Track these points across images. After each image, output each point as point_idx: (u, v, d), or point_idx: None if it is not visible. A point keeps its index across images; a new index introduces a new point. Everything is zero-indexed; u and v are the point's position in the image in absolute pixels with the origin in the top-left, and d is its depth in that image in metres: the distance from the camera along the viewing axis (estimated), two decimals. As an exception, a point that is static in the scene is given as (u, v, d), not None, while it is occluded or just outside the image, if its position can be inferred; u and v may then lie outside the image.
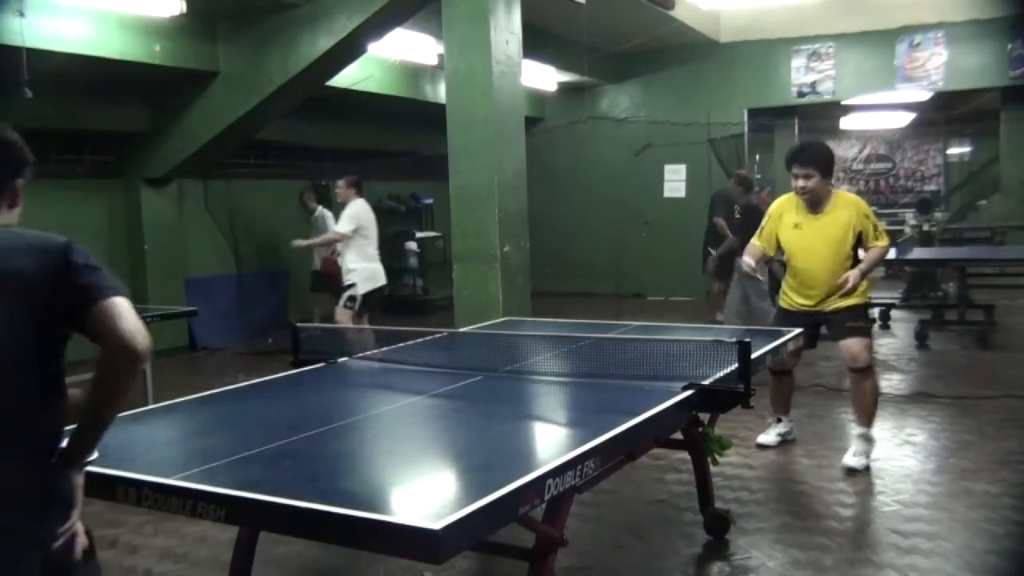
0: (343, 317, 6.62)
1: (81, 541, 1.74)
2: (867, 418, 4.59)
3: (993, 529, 3.68)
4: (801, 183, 4.50)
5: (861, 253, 4.59)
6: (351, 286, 6.74)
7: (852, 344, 4.54)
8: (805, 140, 5.09)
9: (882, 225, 4.68)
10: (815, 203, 4.55)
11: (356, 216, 6.78)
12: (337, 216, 7.38)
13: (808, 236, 4.56)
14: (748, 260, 4.76)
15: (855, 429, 4.64)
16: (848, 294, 4.46)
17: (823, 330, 4.67)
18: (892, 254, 6.50)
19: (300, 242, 7.13)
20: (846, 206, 4.55)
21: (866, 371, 4.59)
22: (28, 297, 1.63)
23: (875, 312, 8.16)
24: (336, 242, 6.84)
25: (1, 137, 1.78)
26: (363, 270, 6.82)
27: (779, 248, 4.75)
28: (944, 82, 11.28)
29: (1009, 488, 4.15)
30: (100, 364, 1.63)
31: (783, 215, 4.67)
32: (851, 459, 4.51)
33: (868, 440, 4.58)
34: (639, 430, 2.53)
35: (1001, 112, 14.13)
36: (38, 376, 1.66)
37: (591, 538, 3.69)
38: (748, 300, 7.25)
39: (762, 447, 4.96)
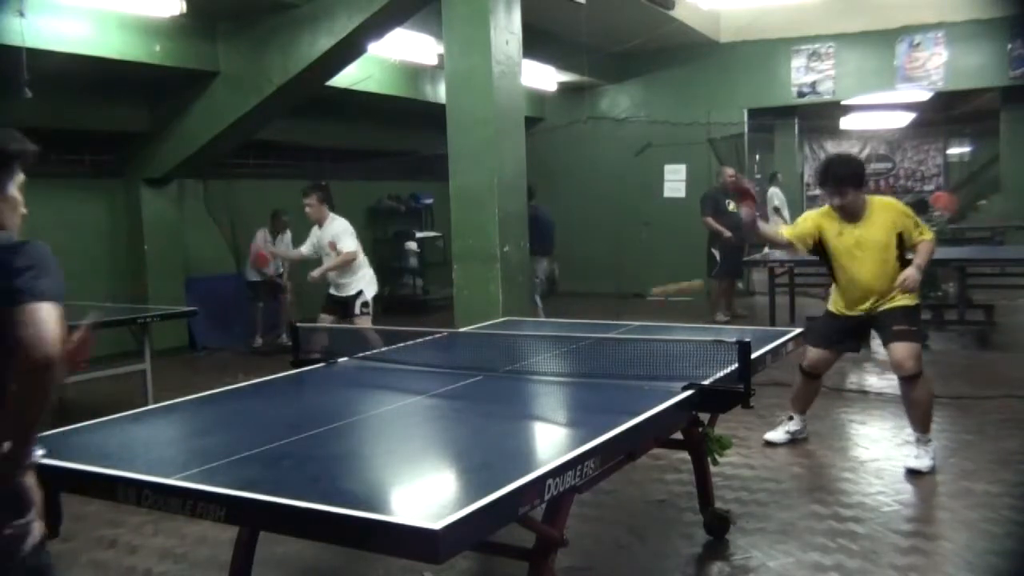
0: (366, 323, 6.63)
1: (35, 537, 1.75)
2: (921, 425, 4.46)
3: (993, 529, 3.68)
4: (837, 201, 4.45)
5: None
6: (359, 294, 6.77)
7: (897, 349, 4.39)
8: (831, 157, 5.03)
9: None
10: (853, 215, 4.48)
11: (350, 230, 6.76)
12: (298, 239, 7.23)
13: (851, 244, 4.47)
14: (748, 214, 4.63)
15: (911, 434, 4.55)
16: (905, 291, 4.39)
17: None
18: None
19: (316, 273, 6.93)
20: (884, 209, 4.49)
21: (914, 380, 4.40)
22: None
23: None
24: (351, 262, 6.71)
25: None
26: (364, 276, 6.86)
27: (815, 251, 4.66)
28: (944, 82, 11.27)
29: (1009, 488, 4.15)
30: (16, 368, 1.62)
31: (823, 226, 4.57)
32: (913, 462, 4.42)
33: (926, 442, 4.47)
34: (639, 430, 2.53)
35: (1001, 112, 14.14)
36: None
37: (591, 538, 3.69)
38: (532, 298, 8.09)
39: (769, 444, 4.94)
